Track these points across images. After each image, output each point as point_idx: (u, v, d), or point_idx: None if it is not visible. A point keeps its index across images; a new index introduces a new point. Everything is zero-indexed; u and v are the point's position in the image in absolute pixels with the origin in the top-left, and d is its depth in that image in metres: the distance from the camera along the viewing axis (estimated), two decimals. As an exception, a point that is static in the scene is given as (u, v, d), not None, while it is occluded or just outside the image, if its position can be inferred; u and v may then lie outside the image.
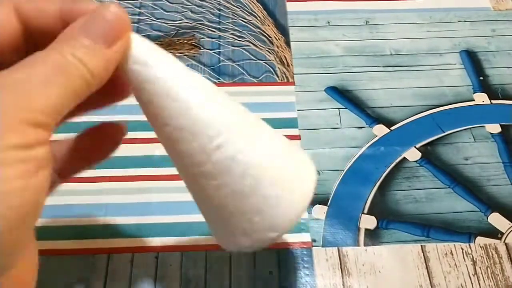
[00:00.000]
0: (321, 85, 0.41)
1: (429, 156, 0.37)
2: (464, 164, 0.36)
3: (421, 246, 0.32)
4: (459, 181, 0.35)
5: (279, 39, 0.44)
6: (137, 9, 0.46)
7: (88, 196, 0.34)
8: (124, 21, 0.19)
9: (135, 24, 0.44)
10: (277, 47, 0.43)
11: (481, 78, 0.41)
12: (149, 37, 0.43)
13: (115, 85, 0.21)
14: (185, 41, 0.43)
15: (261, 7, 0.46)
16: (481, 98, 0.40)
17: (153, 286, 0.30)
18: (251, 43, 0.43)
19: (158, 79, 0.20)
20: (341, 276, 0.31)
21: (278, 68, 0.42)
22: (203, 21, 0.45)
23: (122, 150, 0.36)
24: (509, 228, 0.33)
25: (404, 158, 0.37)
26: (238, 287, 0.30)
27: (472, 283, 0.31)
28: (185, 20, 0.45)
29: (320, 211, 0.34)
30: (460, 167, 0.36)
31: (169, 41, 0.43)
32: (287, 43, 0.43)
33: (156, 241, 0.32)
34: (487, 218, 0.34)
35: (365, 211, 0.34)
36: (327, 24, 0.45)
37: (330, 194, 0.35)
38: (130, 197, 0.34)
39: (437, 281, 0.31)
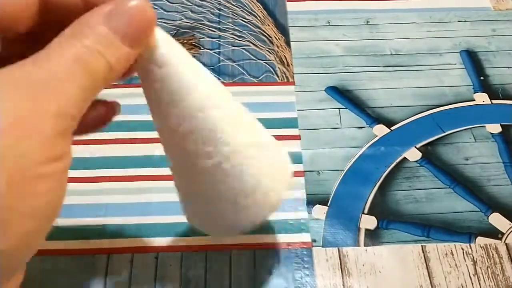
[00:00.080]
0: (321, 85, 0.40)
1: (430, 156, 0.37)
2: (465, 164, 0.36)
3: (422, 246, 0.32)
4: (459, 181, 0.35)
5: (279, 38, 0.44)
6: (137, 9, 0.45)
7: (88, 196, 0.34)
8: (149, 19, 0.18)
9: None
10: (277, 47, 0.43)
11: (482, 78, 0.41)
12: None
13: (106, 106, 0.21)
14: (185, 41, 0.43)
15: (261, 6, 0.46)
16: (482, 98, 0.40)
17: (153, 286, 0.30)
18: (251, 43, 0.43)
19: (174, 79, 0.20)
20: (341, 276, 0.31)
21: (278, 68, 0.42)
22: (203, 21, 0.45)
23: (122, 150, 0.37)
24: (509, 228, 0.33)
25: (405, 158, 0.36)
26: (238, 287, 0.30)
27: (472, 283, 0.31)
28: (185, 20, 0.45)
29: (320, 211, 0.34)
30: (461, 167, 0.36)
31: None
32: (287, 43, 0.43)
33: (156, 241, 0.32)
34: (488, 218, 0.34)
35: (365, 211, 0.34)
36: (327, 24, 0.45)
37: (330, 194, 0.34)
38: (130, 197, 0.34)
39: (438, 281, 0.31)
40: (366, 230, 0.33)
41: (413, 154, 0.37)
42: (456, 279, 0.31)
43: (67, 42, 0.17)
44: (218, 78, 0.41)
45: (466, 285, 0.31)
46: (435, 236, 0.33)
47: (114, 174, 0.35)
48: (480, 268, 0.31)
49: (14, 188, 0.15)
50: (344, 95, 0.40)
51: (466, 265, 0.32)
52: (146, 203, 0.34)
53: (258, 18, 0.45)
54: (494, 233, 0.33)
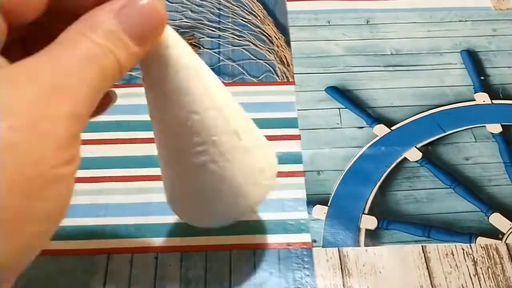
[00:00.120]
0: (321, 85, 0.40)
1: (430, 156, 0.37)
2: (465, 164, 0.36)
3: (422, 246, 0.32)
4: (460, 181, 0.35)
5: (279, 38, 0.44)
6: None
7: (88, 196, 0.34)
8: (161, 18, 0.18)
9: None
10: (277, 47, 0.43)
11: (482, 77, 0.41)
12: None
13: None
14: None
15: (261, 6, 0.46)
16: (482, 98, 0.40)
17: (153, 286, 0.30)
18: (251, 42, 0.43)
19: (182, 77, 0.20)
20: (342, 277, 0.31)
21: (278, 67, 0.42)
22: (203, 21, 0.45)
23: (122, 150, 0.37)
24: (510, 228, 0.33)
25: (405, 158, 0.36)
26: (238, 287, 0.30)
27: (473, 284, 0.31)
28: (185, 20, 0.45)
29: (321, 211, 0.34)
30: (461, 167, 0.36)
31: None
32: (287, 42, 0.43)
33: (156, 241, 0.32)
34: (488, 219, 0.34)
35: (366, 211, 0.34)
36: (328, 24, 0.45)
37: (331, 194, 0.34)
38: (130, 197, 0.34)
39: (438, 281, 0.31)
40: (367, 230, 0.33)
41: (413, 154, 0.37)
42: (456, 279, 0.31)
43: (78, 37, 0.16)
44: (218, 78, 0.41)
45: (467, 286, 0.31)
46: (435, 236, 0.33)
47: (114, 174, 0.35)
48: (481, 268, 0.31)
49: (27, 193, 0.14)
50: (344, 95, 0.40)
51: (467, 265, 0.32)
52: (146, 203, 0.34)
53: (258, 17, 0.45)
54: (495, 233, 0.33)
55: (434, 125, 0.38)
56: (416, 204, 0.34)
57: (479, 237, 0.33)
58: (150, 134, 0.37)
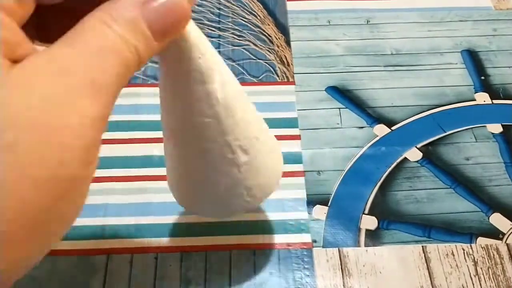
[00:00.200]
0: (321, 85, 0.40)
1: (430, 156, 0.36)
2: (466, 164, 0.36)
3: (422, 246, 0.32)
4: (460, 181, 0.35)
5: (279, 38, 0.44)
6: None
7: (88, 196, 0.34)
8: (185, 14, 0.17)
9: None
10: (277, 47, 0.43)
11: (483, 77, 0.41)
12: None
13: None
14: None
15: (261, 6, 0.46)
16: (483, 98, 0.40)
17: (152, 286, 0.30)
18: (251, 42, 0.43)
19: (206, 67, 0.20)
20: (342, 277, 0.31)
21: (278, 67, 0.42)
22: (203, 20, 0.45)
23: (122, 150, 0.37)
24: (510, 228, 0.33)
25: (405, 158, 0.36)
26: (238, 287, 0.30)
27: (473, 284, 0.31)
28: (185, 20, 0.45)
29: (321, 211, 0.34)
30: (461, 167, 0.36)
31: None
32: (287, 42, 0.43)
33: (155, 242, 0.32)
34: (489, 219, 0.34)
35: (366, 211, 0.34)
36: (328, 23, 0.45)
37: (331, 194, 0.34)
38: (130, 197, 0.34)
39: (438, 281, 0.31)
40: (367, 230, 0.33)
41: (413, 154, 0.37)
42: (457, 279, 0.31)
43: (101, 27, 0.15)
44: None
45: (467, 286, 0.31)
46: (435, 236, 0.33)
47: (114, 174, 0.35)
48: (481, 268, 0.31)
49: (57, 195, 0.14)
50: (345, 95, 0.40)
51: (467, 265, 0.31)
52: (146, 203, 0.34)
53: (258, 17, 0.45)
54: (495, 234, 0.33)
55: (434, 125, 0.38)
56: (416, 204, 0.34)
57: (480, 237, 0.33)
58: (150, 134, 0.37)
